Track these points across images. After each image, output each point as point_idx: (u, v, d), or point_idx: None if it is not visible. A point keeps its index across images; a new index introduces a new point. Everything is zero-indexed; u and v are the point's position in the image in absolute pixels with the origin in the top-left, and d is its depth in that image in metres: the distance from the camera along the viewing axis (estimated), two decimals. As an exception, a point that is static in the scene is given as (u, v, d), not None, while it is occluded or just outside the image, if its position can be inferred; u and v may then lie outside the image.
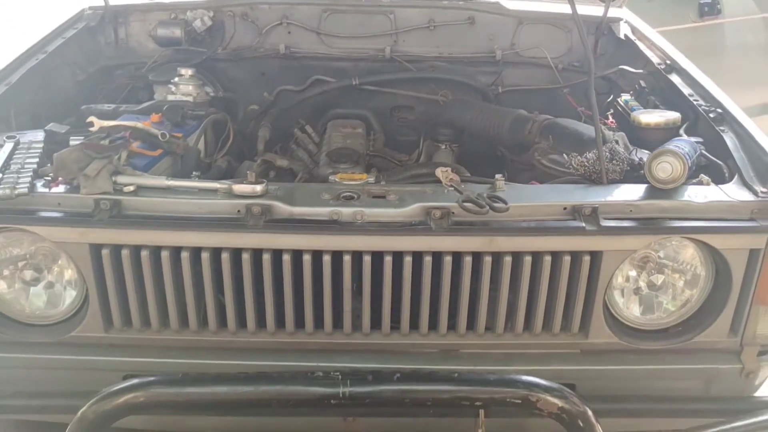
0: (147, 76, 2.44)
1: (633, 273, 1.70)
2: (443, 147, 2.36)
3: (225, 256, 1.56)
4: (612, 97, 2.40)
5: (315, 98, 2.60)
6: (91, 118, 1.90)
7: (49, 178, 1.61)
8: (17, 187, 1.55)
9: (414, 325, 1.66)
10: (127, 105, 2.23)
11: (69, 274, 1.65)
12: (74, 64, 2.40)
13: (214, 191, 1.61)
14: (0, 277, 1.64)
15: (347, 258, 1.56)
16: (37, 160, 1.69)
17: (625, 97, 2.28)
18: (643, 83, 2.31)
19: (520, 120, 2.12)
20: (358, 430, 1.70)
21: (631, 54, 2.47)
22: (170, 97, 2.23)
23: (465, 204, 1.54)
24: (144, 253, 1.56)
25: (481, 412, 1.58)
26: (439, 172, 1.72)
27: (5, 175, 1.59)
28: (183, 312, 1.64)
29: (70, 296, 1.67)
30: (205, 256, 1.56)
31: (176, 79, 2.26)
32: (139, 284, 1.60)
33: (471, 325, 1.66)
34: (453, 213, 1.56)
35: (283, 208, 1.56)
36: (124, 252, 1.56)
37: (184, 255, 1.56)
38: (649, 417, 1.72)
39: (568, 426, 1.37)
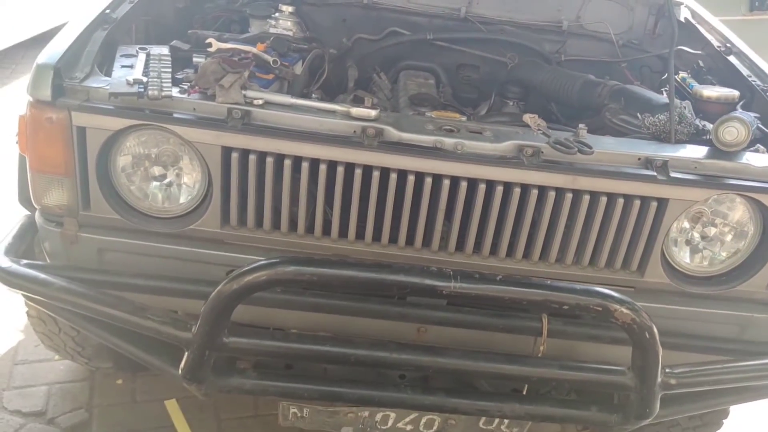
0: (240, 10, 2.62)
1: (687, 225, 1.92)
2: (511, 104, 2.57)
3: (340, 170, 1.77)
4: (667, 75, 2.59)
5: (389, 48, 2.79)
6: (210, 40, 2.09)
7: (185, 86, 1.80)
8: (163, 89, 1.74)
9: (493, 251, 1.88)
10: (229, 33, 2.41)
11: (191, 173, 1.85)
12: None
13: (333, 112, 1.81)
14: (131, 171, 1.85)
15: (446, 182, 1.77)
16: (170, 69, 1.89)
17: (683, 74, 2.49)
18: (701, 63, 2.51)
19: (591, 84, 2.32)
20: (427, 340, 1.93)
21: (689, 36, 2.67)
22: (272, 30, 2.41)
23: (556, 145, 1.75)
24: (269, 160, 1.77)
25: (545, 330, 1.82)
26: (527, 117, 1.93)
27: (149, 80, 1.79)
28: (293, 217, 1.84)
29: (187, 194, 1.87)
30: (322, 167, 1.77)
31: (276, 14, 2.45)
32: (258, 187, 1.80)
33: (544, 255, 1.88)
34: (542, 152, 1.77)
35: (393, 133, 1.77)
36: (252, 157, 1.77)
37: (304, 165, 1.77)
38: (687, 351, 1.94)
39: (636, 337, 1.60)
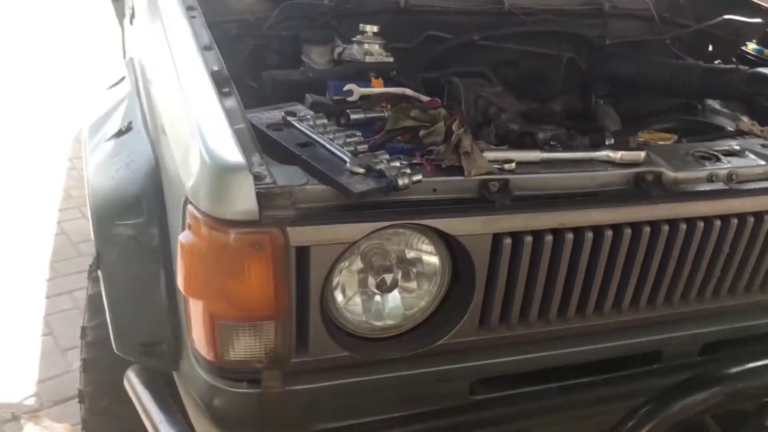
0: (280, 35, 2.07)
1: None
2: (601, 102, 2.31)
3: (627, 232, 1.41)
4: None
5: (429, 55, 2.39)
6: (351, 86, 1.59)
7: (403, 162, 1.32)
8: (404, 173, 1.25)
9: None
10: (303, 68, 1.89)
11: (430, 276, 1.39)
12: None
13: (590, 161, 1.44)
14: (352, 290, 1.34)
15: (734, 222, 1.49)
16: (357, 138, 1.38)
17: (753, 45, 2.39)
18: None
19: (714, 72, 2.13)
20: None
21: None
22: (355, 57, 1.90)
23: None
24: (548, 238, 1.36)
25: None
26: (745, 124, 1.70)
27: (358, 159, 1.27)
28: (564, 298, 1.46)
29: (420, 302, 1.40)
30: (608, 234, 1.40)
31: (358, 36, 1.94)
32: (532, 273, 1.40)
33: None
34: None
35: (669, 175, 1.45)
36: (527, 239, 1.35)
37: (588, 235, 1.39)
38: None
39: None
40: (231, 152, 1.21)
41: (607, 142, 1.49)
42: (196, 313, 1.28)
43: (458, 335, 1.40)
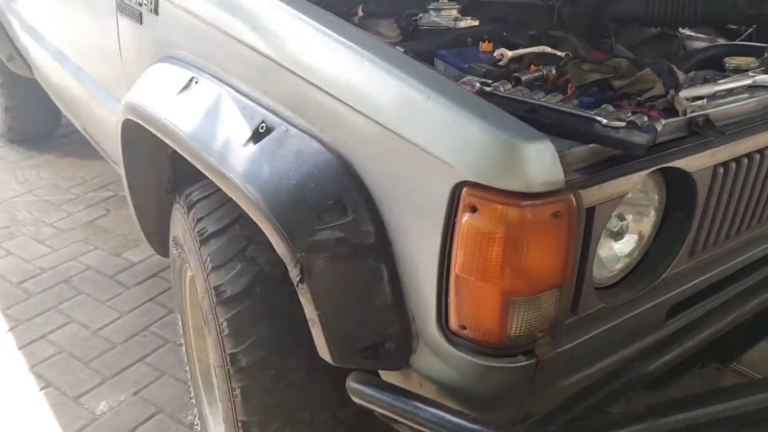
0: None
1: None
2: (609, 43, 2.44)
3: None
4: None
5: None
6: (502, 50, 1.58)
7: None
8: (650, 121, 1.29)
9: None
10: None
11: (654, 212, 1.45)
12: None
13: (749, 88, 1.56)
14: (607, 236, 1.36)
15: None
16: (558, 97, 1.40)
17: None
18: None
19: None
20: None
21: None
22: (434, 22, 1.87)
23: None
24: (744, 161, 1.48)
25: None
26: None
27: (604, 115, 1.29)
28: None
29: (642, 241, 1.46)
30: None
31: (434, 3, 1.89)
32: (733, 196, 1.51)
33: None
34: None
35: None
36: (732, 165, 1.46)
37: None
38: None
39: None
40: (519, 126, 1.19)
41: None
42: (477, 296, 1.24)
43: (674, 267, 1.49)
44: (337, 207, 1.37)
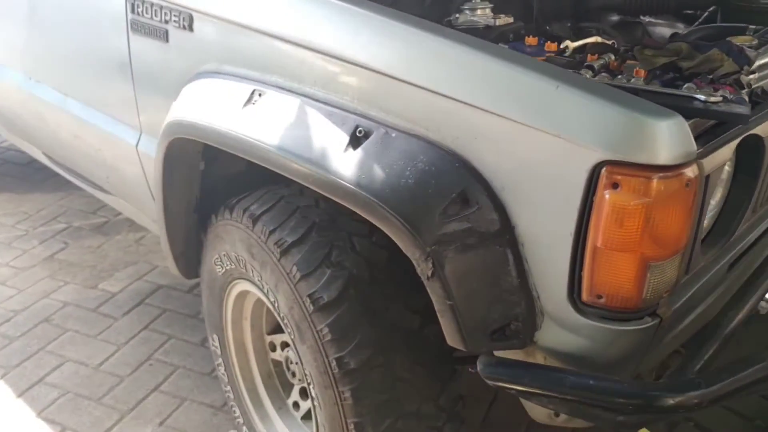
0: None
1: None
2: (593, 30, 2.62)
3: None
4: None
5: None
6: (567, 42, 1.70)
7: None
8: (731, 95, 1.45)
9: None
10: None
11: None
12: None
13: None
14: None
15: None
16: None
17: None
18: None
19: None
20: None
21: None
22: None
23: None
24: None
25: None
26: None
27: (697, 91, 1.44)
28: None
29: (717, 205, 1.64)
30: None
31: (469, 3, 1.98)
32: None
33: None
34: None
35: None
36: None
37: None
38: None
39: None
40: (650, 105, 1.31)
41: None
42: (617, 266, 1.35)
43: (742, 225, 1.67)
44: (460, 199, 1.44)
